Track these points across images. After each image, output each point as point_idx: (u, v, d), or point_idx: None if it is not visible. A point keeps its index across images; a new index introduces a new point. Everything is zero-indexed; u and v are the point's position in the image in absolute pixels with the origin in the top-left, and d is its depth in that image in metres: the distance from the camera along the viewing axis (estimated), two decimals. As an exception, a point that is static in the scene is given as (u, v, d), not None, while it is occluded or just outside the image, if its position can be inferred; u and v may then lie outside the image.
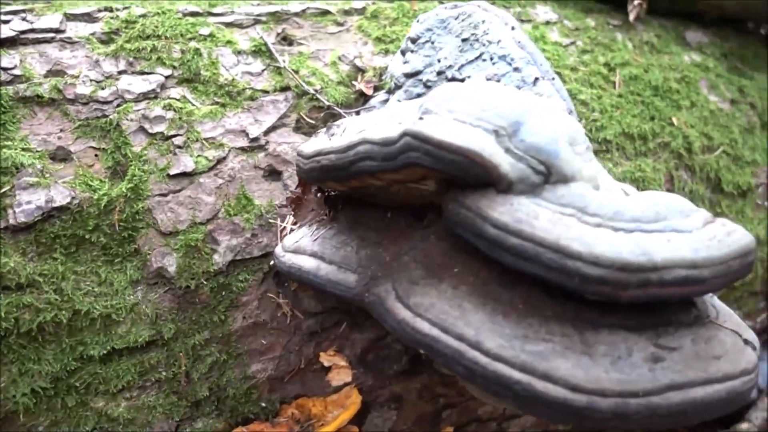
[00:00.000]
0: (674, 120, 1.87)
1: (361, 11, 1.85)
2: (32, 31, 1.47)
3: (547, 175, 0.95)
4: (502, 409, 1.61)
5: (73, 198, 1.29)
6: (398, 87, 1.47)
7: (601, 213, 0.92)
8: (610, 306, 0.93)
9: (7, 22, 1.49)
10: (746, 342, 1.00)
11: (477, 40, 1.34)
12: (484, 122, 0.95)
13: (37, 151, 1.32)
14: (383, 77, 1.62)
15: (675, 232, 0.91)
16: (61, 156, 1.34)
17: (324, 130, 1.20)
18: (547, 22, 1.99)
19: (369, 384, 1.47)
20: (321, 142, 1.15)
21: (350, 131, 1.11)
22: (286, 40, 1.70)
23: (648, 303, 0.92)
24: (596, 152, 1.72)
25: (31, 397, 1.23)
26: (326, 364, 1.42)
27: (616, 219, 0.91)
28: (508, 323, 0.93)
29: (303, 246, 1.23)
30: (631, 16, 2.03)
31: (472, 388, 1.19)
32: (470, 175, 0.93)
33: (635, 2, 2.03)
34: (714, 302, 1.07)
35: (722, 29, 2.25)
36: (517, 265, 0.91)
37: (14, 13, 1.52)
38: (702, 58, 2.12)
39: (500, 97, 1.00)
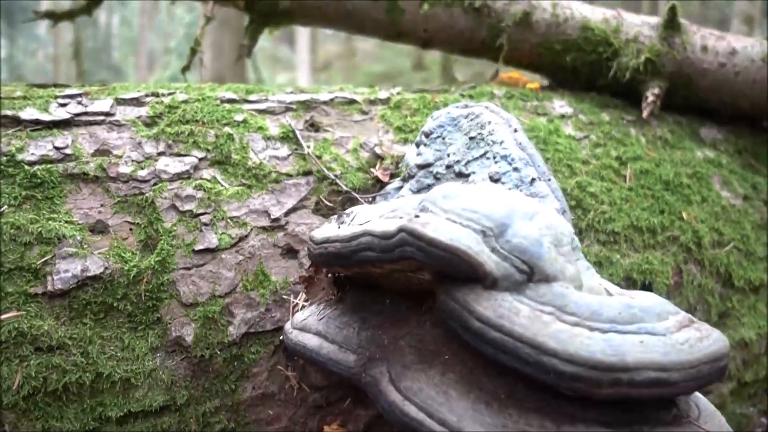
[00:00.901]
0: (684, 214, 1.92)
1: (385, 101, 1.99)
2: (85, 114, 1.64)
3: (530, 274, 1.02)
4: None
5: (106, 268, 1.41)
6: (411, 176, 1.58)
7: (578, 312, 0.98)
8: (588, 401, 0.98)
9: (64, 105, 1.66)
10: (726, 444, 1.02)
11: (483, 139, 1.45)
12: (474, 223, 1.04)
13: (78, 224, 1.45)
14: (400, 165, 1.73)
15: (648, 334, 0.96)
16: (99, 229, 1.47)
17: (335, 217, 1.30)
18: (563, 116, 2.09)
19: (370, 460, 1.51)
20: (330, 229, 1.25)
21: (357, 221, 1.21)
22: (313, 126, 1.84)
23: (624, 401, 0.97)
24: (604, 243, 1.78)
25: (50, 454, 1.31)
26: (329, 438, 1.47)
27: (592, 319, 0.97)
28: (490, 412, 0.99)
29: (309, 324, 1.31)
30: (645, 113, 2.11)
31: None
32: (458, 271, 1.01)
33: (649, 99, 2.11)
34: (698, 402, 1.10)
35: (737, 126, 2.31)
36: (498, 358, 0.97)
37: (71, 96, 1.70)
38: (715, 154, 2.18)
39: (492, 199, 1.09)
